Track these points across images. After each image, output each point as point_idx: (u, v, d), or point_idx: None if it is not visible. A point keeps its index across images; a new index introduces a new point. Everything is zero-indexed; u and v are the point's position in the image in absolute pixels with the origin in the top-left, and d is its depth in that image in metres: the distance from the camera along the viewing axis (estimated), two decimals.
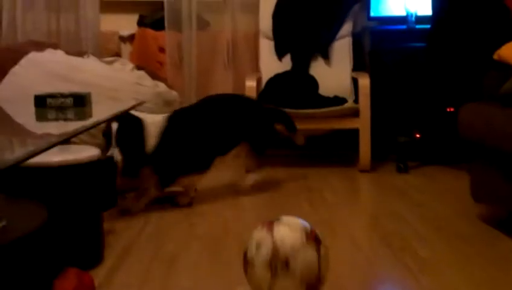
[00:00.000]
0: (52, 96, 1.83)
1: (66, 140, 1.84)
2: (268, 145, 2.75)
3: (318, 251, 1.36)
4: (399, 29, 3.43)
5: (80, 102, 1.82)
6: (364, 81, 3.11)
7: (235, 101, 2.69)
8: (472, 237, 2.07)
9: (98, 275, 1.74)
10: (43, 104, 1.82)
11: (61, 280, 1.56)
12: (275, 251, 1.34)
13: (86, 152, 1.78)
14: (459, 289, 1.63)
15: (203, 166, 2.50)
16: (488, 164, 2.15)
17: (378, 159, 3.31)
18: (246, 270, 1.41)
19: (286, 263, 1.33)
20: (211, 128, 2.50)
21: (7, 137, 1.57)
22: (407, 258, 1.87)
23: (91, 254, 1.81)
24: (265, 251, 1.34)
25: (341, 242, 2.02)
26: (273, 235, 1.36)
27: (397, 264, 1.82)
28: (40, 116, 1.78)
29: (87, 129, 1.74)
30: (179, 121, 2.43)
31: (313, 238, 1.38)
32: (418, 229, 2.16)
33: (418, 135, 3.33)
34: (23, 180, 1.65)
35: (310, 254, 1.35)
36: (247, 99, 2.83)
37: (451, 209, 2.42)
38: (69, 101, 1.81)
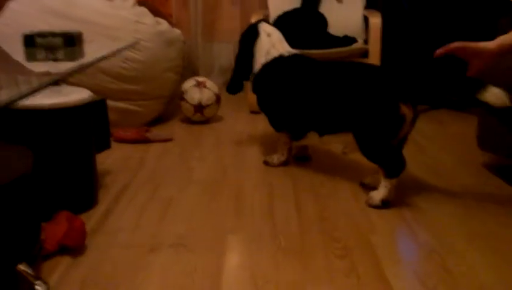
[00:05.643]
0: (42, 35, 1.76)
1: (57, 81, 1.80)
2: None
3: (201, 91, 2.79)
4: None
5: (70, 42, 1.76)
6: (375, 20, 2.97)
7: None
8: (473, 186, 2.02)
9: (91, 218, 1.74)
10: (32, 43, 1.76)
11: (51, 224, 1.55)
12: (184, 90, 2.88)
13: (76, 94, 1.73)
14: (454, 241, 1.60)
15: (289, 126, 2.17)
16: (492, 112, 2.06)
17: None
18: None
19: (183, 93, 2.84)
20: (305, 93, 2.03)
21: (8, 76, 1.52)
22: (403, 207, 1.83)
23: (85, 197, 1.80)
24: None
25: (341, 193, 1.98)
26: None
27: (393, 214, 1.78)
28: (30, 56, 1.72)
29: (78, 71, 1.68)
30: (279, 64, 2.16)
31: (200, 86, 2.81)
32: (418, 176, 2.11)
33: None
34: (12, 123, 1.62)
35: (196, 91, 2.80)
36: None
37: (455, 156, 2.35)
38: (59, 40, 1.75)
